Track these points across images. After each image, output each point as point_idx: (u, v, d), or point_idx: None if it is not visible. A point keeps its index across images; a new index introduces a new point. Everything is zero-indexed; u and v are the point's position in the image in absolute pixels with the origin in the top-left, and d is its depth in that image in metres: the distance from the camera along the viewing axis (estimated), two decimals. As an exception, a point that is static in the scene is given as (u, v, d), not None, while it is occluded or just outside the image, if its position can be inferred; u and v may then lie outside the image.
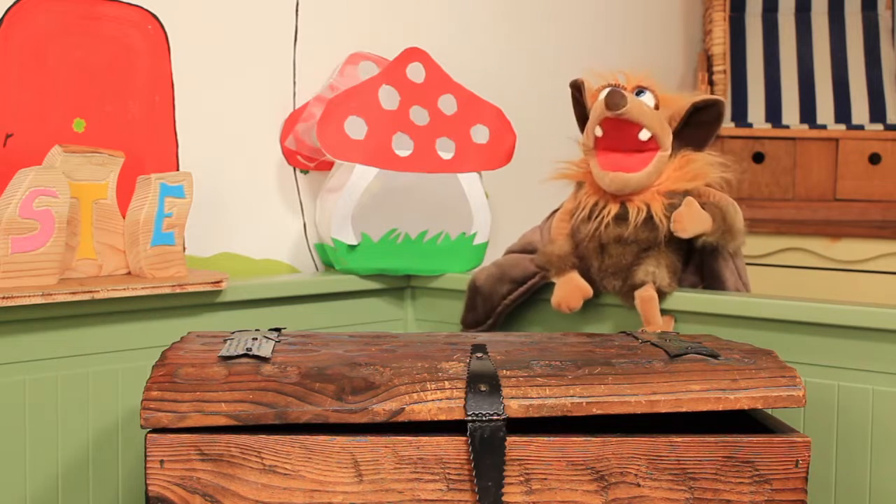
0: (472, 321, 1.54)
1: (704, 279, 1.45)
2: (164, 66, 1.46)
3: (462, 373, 1.04)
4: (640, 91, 1.38)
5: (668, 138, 1.39)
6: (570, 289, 1.42)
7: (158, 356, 1.06)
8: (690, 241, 1.40)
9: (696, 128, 1.40)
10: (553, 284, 1.46)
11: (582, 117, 1.49)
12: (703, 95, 1.41)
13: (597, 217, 1.40)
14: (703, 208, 1.36)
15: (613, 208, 1.39)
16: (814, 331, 1.26)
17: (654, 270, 1.36)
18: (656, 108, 1.38)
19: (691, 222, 1.35)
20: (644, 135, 1.36)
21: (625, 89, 1.37)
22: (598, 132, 1.38)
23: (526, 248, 1.54)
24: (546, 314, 1.52)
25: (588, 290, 1.42)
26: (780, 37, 2.43)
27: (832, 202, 2.25)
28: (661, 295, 1.36)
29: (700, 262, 1.44)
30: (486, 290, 1.51)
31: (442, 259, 1.63)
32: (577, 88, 1.46)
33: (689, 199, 1.35)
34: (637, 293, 1.36)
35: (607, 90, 1.35)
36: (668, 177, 1.39)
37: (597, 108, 1.38)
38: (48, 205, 1.23)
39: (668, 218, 1.36)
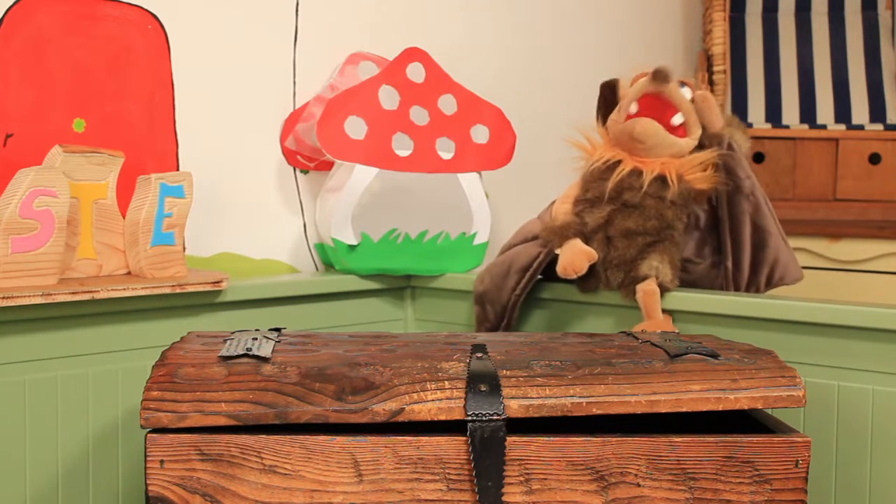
0: (486, 331, 1.50)
1: (726, 242, 1.46)
2: (164, 66, 1.46)
3: (462, 373, 1.03)
4: (680, 85, 1.44)
5: (697, 130, 1.43)
6: (574, 252, 1.40)
7: (158, 356, 1.06)
8: (702, 222, 1.43)
9: None
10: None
11: (608, 118, 1.50)
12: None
13: (615, 174, 1.42)
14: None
15: (629, 165, 1.41)
16: (814, 331, 1.26)
17: (658, 265, 1.37)
18: (692, 102, 1.44)
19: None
20: (677, 119, 1.41)
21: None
22: (634, 109, 1.42)
23: (527, 238, 1.53)
24: (546, 314, 1.52)
25: (592, 254, 1.40)
26: (780, 37, 2.43)
27: (832, 202, 2.25)
28: (663, 290, 1.37)
29: (717, 235, 1.45)
30: (492, 291, 1.50)
31: (442, 259, 1.63)
32: (610, 88, 1.49)
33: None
34: (639, 286, 1.37)
35: (654, 69, 1.40)
36: (685, 162, 1.42)
37: (637, 86, 1.43)
38: (48, 205, 1.23)
39: (681, 180, 1.40)
